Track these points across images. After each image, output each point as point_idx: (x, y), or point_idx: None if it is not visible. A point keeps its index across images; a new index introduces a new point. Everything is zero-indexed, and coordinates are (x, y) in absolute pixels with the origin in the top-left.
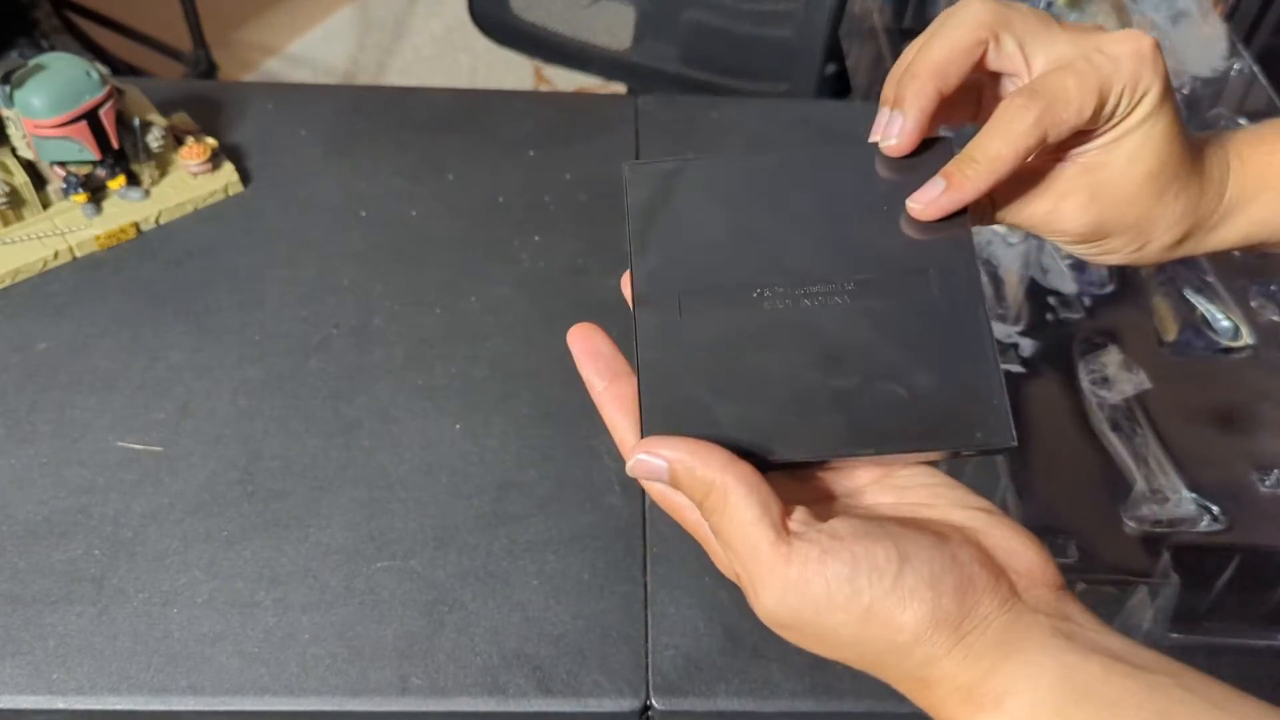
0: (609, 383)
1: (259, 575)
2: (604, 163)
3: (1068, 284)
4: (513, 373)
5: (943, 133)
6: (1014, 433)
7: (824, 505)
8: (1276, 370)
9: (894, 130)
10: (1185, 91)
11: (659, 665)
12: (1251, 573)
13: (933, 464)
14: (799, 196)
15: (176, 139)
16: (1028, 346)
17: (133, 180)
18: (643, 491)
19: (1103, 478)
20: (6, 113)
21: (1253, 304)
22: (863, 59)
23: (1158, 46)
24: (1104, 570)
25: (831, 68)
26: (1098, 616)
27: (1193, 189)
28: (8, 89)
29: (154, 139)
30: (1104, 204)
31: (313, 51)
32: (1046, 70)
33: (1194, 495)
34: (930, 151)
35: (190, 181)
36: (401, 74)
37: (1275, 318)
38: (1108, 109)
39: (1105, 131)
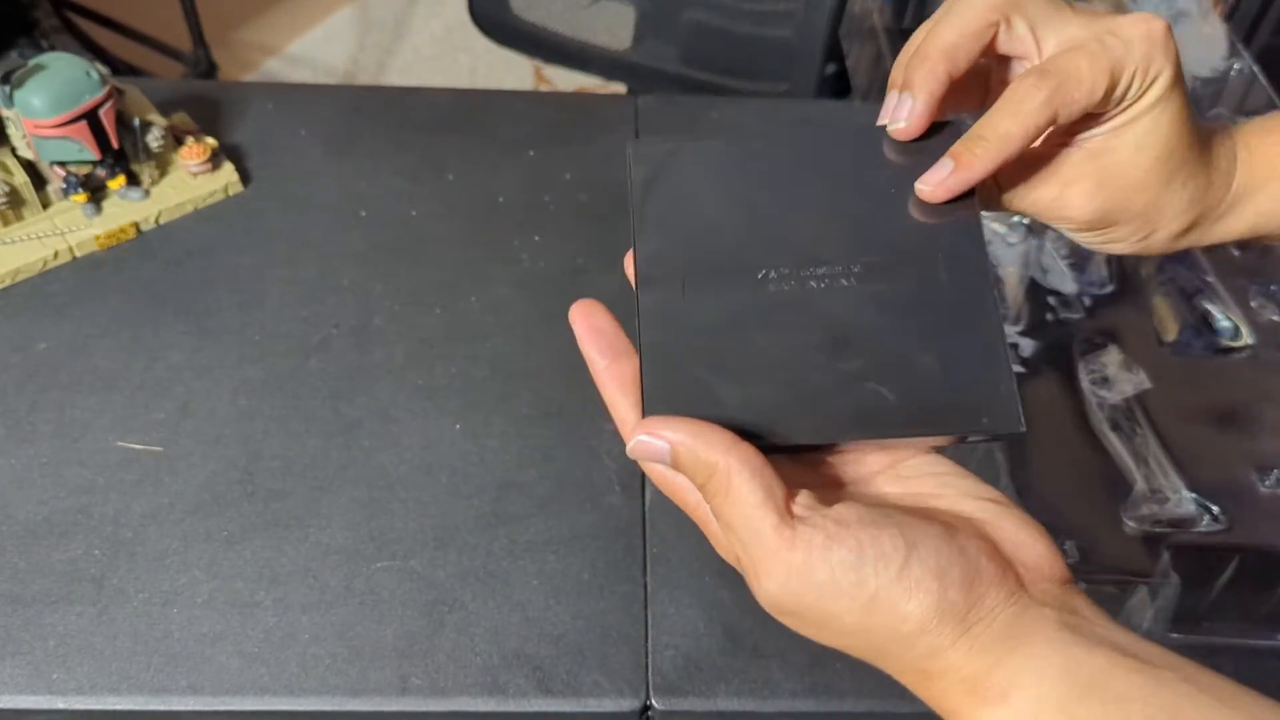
0: (610, 361)
1: (259, 575)
2: (604, 163)
3: (1068, 284)
4: (513, 373)
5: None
6: (1022, 419)
7: (830, 492)
8: (1276, 370)
9: (903, 113)
10: None
11: (659, 665)
12: (1251, 573)
13: (940, 451)
14: (806, 178)
15: (176, 139)
16: (1028, 346)
17: (133, 180)
18: (643, 491)
19: (1103, 478)
20: (6, 113)
21: (1253, 304)
22: (863, 59)
23: (1170, 30)
24: (1104, 570)
25: (831, 68)
26: (1104, 611)
27: (1200, 177)
28: (8, 89)
29: (154, 139)
30: (1111, 190)
31: (313, 51)
32: (1058, 51)
33: (1194, 495)
34: (938, 135)
35: (190, 181)
36: (401, 74)
37: (1275, 318)
38: (1119, 91)
39: (1114, 115)
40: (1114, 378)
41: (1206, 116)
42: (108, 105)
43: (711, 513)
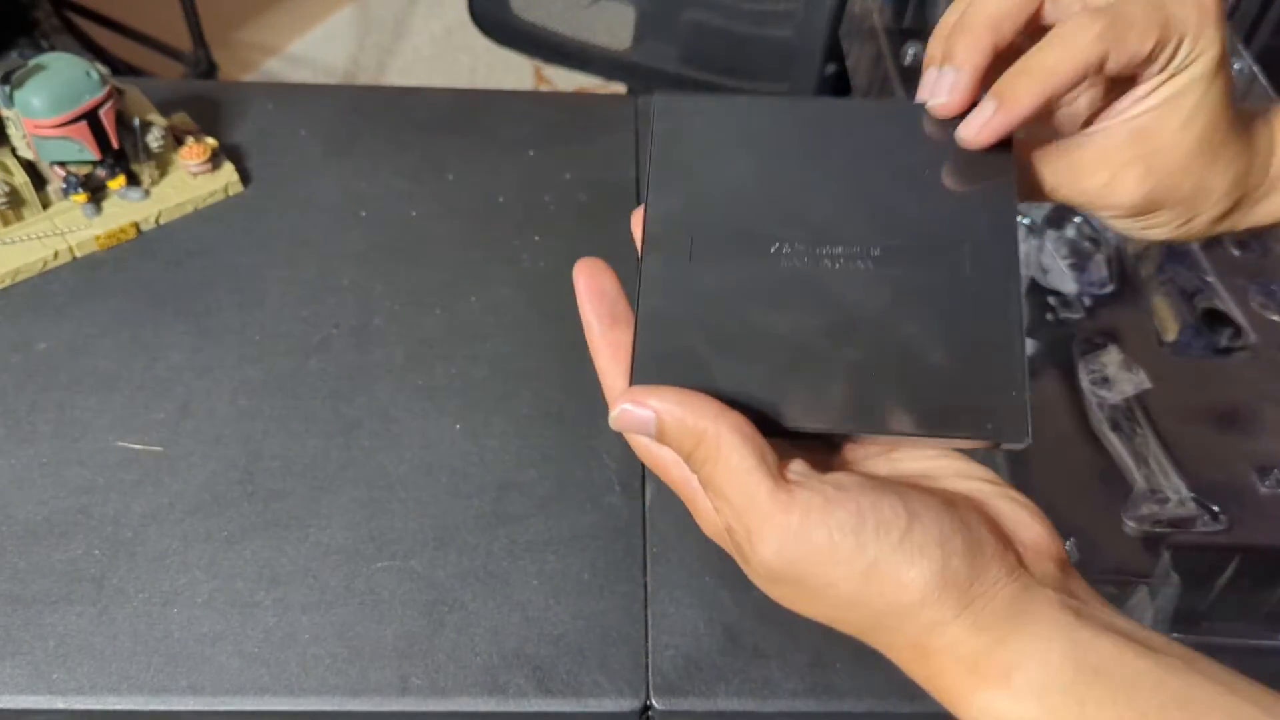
0: (608, 327)
1: (259, 575)
2: (604, 163)
3: (1068, 284)
4: (513, 373)
5: None
6: (1030, 431)
7: (820, 467)
8: (1276, 370)
9: (944, 87)
10: None
11: (659, 665)
12: (1251, 573)
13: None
14: (836, 149)
15: (176, 139)
16: (1028, 346)
17: (133, 180)
18: (643, 491)
19: (1103, 478)
20: (6, 113)
21: (1253, 304)
22: (863, 59)
23: (1222, 7)
24: (1104, 570)
25: (831, 68)
26: (1102, 596)
27: (1242, 160)
28: (8, 89)
29: (154, 139)
30: (1159, 175)
31: (313, 51)
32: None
33: (1194, 495)
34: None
35: (190, 181)
36: (401, 74)
37: (1275, 318)
38: (1167, 52)
39: (1160, 86)
40: (1114, 378)
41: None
42: (108, 105)
43: (700, 484)
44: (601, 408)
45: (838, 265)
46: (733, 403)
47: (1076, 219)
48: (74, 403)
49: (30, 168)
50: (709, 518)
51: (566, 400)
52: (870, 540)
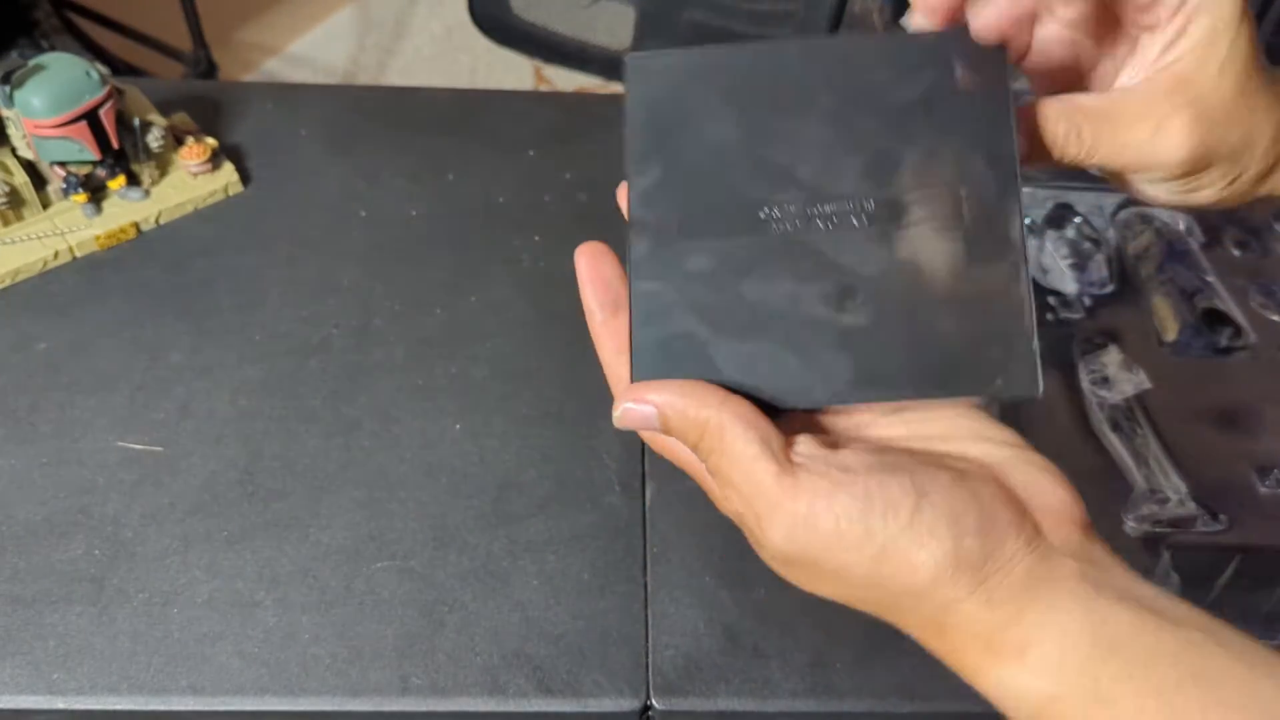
0: (610, 315)
1: (259, 575)
2: (604, 163)
3: (1068, 284)
4: (513, 373)
5: None
6: (1040, 382)
7: (830, 434)
8: (1277, 370)
9: None
10: None
11: (659, 665)
12: (1251, 573)
13: None
14: (821, 93)
15: (176, 139)
16: None
17: (133, 180)
18: (643, 491)
19: (1103, 478)
20: (6, 113)
21: (1253, 304)
22: None
23: None
24: None
25: None
26: (1125, 562)
27: (1277, 110)
28: (8, 89)
29: (154, 139)
30: (1206, 125)
31: (313, 51)
32: None
33: (1194, 495)
34: (975, 50)
35: (190, 181)
36: (401, 74)
37: (1275, 318)
38: None
39: (1187, 28)
40: (1114, 378)
41: None
42: (108, 105)
43: (709, 472)
44: (601, 408)
45: (831, 225)
46: (735, 385)
47: (1077, 219)
48: (74, 403)
49: (30, 168)
50: (721, 498)
51: (566, 400)
52: (878, 525)
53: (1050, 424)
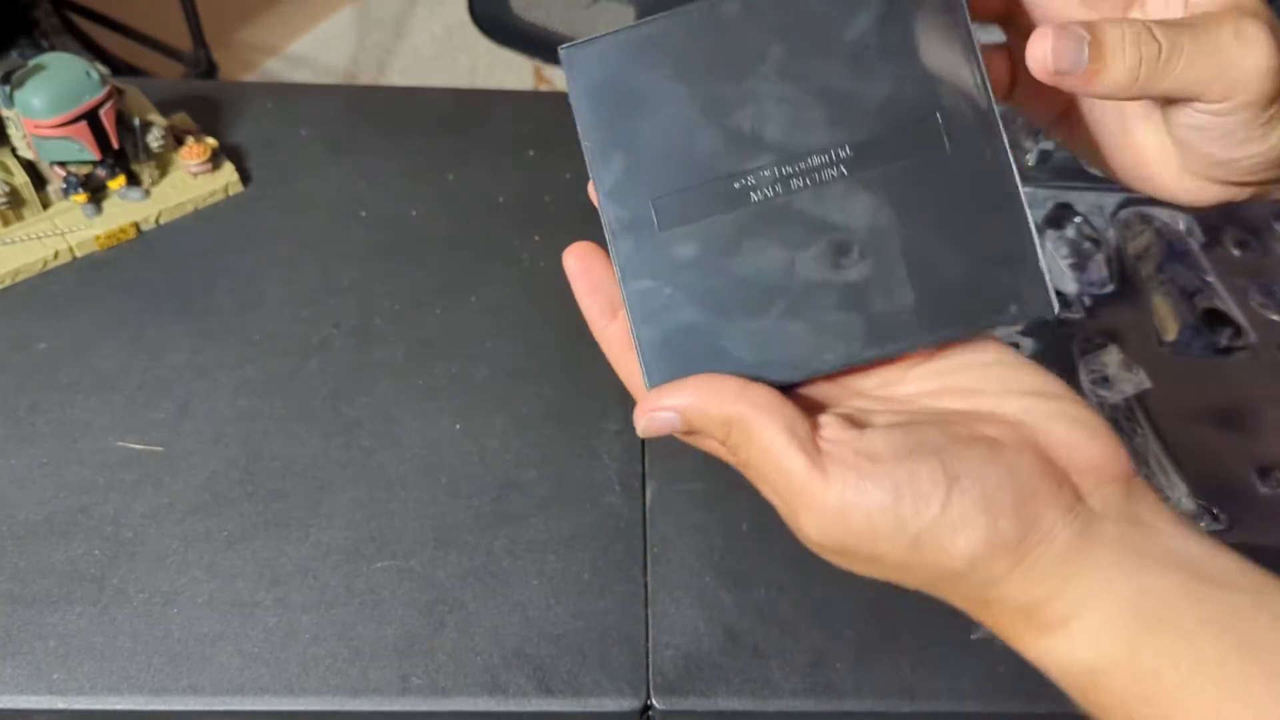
0: (612, 320)
1: (259, 575)
2: None
3: (1068, 284)
4: (513, 373)
5: None
6: (1054, 300)
7: (858, 398)
8: (1276, 370)
9: None
10: None
11: (659, 665)
12: None
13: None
14: (771, 46)
15: (176, 139)
16: (1028, 346)
17: (133, 180)
18: (643, 491)
19: None
20: (6, 113)
21: (1253, 304)
22: None
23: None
24: None
25: None
26: (1171, 514)
27: None
28: (8, 89)
29: (154, 139)
30: (1277, 35)
31: (313, 51)
32: None
33: (1194, 495)
34: None
35: (190, 181)
36: (401, 74)
37: (1275, 318)
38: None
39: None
40: (1114, 378)
41: None
42: (108, 105)
43: (740, 466)
44: (601, 408)
45: (809, 181)
46: (750, 367)
47: (1077, 218)
48: (74, 403)
49: (30, 168)
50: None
51: (566, 400)
52: (910, 516)
53: None
